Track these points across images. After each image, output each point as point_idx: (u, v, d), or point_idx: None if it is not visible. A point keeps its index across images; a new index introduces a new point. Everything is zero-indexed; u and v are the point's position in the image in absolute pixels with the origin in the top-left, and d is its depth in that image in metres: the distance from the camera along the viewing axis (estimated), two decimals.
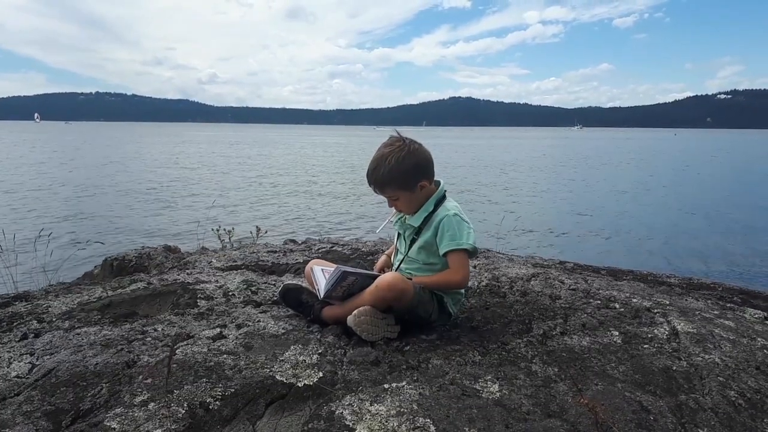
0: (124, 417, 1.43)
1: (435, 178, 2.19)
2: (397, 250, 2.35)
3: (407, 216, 2.22)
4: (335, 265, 2.23)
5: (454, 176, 23.75)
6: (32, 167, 25.53)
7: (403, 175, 2.05)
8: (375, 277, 2.09)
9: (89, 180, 20.63)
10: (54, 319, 2.23)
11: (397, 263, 2.30)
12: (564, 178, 24.68)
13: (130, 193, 17.26)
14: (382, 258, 2.52)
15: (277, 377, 1.67)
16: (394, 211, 2.27)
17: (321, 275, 2.17)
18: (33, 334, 2.05)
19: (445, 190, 2.20)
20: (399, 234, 2.32)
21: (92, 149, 44.50)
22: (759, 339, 2.07)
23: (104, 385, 1.61)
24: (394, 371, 1.77)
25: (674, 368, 1.79)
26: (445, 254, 2.07)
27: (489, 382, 1.67)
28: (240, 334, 2.05)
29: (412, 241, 2.19)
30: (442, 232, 2.07)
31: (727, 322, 2.27)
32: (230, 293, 2.61)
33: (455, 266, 2.07)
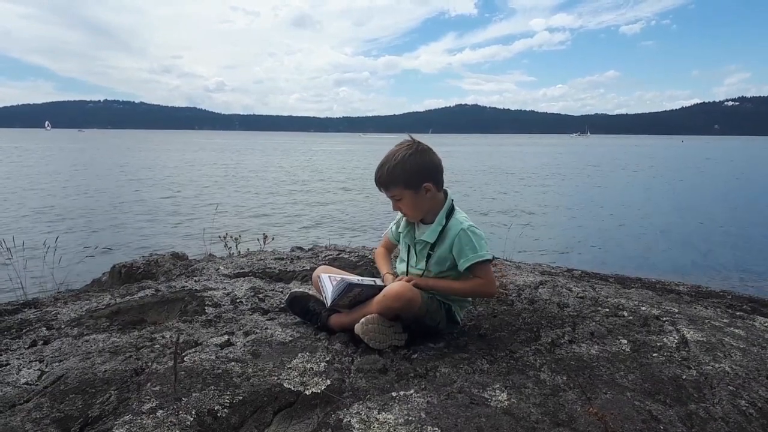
0: (132, 424, 1.43)
1: (443, 188, 2.15)
2: (403, 261, 2.32)
3: (417, 229, 2.20)
4: (342, 274, 2.23)
5: (462, 183, 23.73)
6: (48, 176, 25.68)
7: (408, 172, 2.05)
8: (381, 287, 2.09)
9: (101, 188, 20.77)
10: (63, 326, 2.24)
11: (401, 274, 2.27)
12: (569, 186, 24.61)
13: (140, 201, 17.36)
14: (389, 276, 2.29)
15: (285, 385, 1.67)
16: (403, 221, 2.25)
17: (328, 283, 2.17)
18: (42, 341, 2.06)
19: (453, 200, 2.18)
20: (408, 246, 2.27)
21: (110, 157, 44.94)
22: None
23: (113, 392, 1.61)
24: (401, 379, 1.77)
25: (684, 377, 1.78)
26: (469, 267, 2.05)
27: (497, 391, 1.66)
28: (248, 342, 2.05)
29: (428, 256, 2.15)
30: (460, 246, 2.05)
31: (737, 330, 2.25)
32: (238, 300, 2.62)
33: (486, 277, 2.07)
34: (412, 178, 2.06)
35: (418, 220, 2.21)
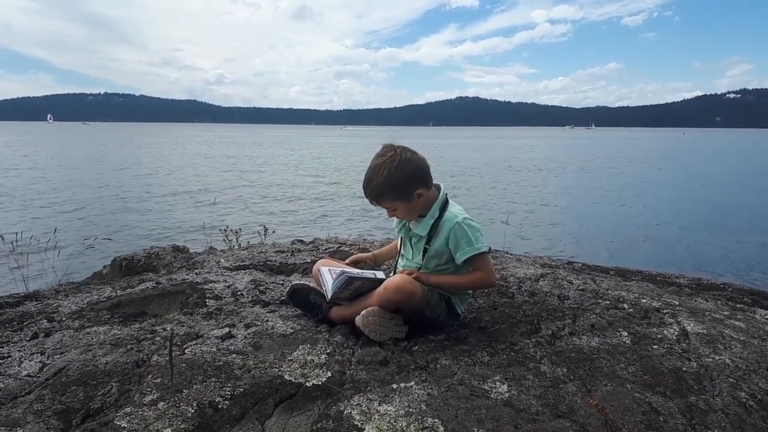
0: (133, 416, 1.44)
1: (435, 182, 2.16)
2: (401, 255, 2.33)
3: (411, 223, 2.20)
4: (342, 266, 2.24)
5: (463, 176, 23.69)
6: (54, 169, 25.65)
7: (397, 186, 2.03)
8: (382, 280, 2.09)
9: (103, 180, 20.78)
10: (64, 319, 2.24)
11: (402, 268, 2.28)
12: (570, 179, 24.57)
13: (141, 194, 17.37)
14: (365, 255, 2.49)
15: (286, 377, 1.68)
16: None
17: (328, 276, 2.17)
18: (43, 334, 2.06)
19: (447, 194, 2.17)
20: (402, 239, 2.29)
21: (115, 149, 45.03)
22: None
23: (114, 384, 1.62)
24: (402, 371, 1.77)
25: (684, 369, 1.78)
26: (467, 260, 2.05)
27: (498, 383, 1.67)
28: (248, 334, 2.05)
29: (424, 250, 2.15)
30: (456, 240, 2.05)
31: (737, 322, 2.25)
32: (239, 293, 2.62)
33: (485, 268, 2.08)
34: (401, 191, 2.05)
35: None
